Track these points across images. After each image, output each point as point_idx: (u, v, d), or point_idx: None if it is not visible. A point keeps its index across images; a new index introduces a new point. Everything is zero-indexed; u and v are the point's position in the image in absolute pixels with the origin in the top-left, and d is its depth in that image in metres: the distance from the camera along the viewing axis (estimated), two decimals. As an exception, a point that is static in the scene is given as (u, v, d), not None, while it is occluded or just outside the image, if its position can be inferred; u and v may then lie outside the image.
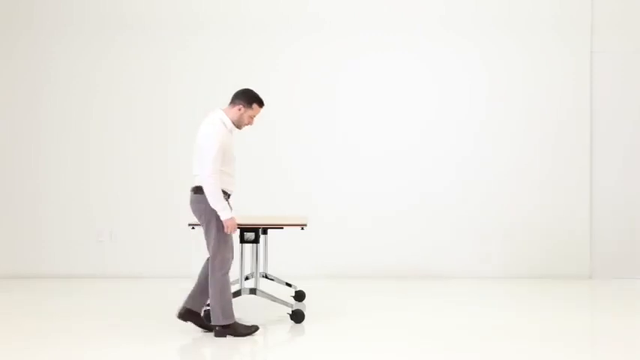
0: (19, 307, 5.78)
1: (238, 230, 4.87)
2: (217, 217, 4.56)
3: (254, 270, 5.20)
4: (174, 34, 7.28)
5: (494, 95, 7.30)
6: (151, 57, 7.29)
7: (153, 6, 7.30)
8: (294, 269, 6.90)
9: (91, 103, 7.29)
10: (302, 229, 5.24)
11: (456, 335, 4.76)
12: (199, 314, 4.81)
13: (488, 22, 7.29)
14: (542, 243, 7.23)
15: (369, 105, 7.31)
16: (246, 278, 5.32)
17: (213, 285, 4.61)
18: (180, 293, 6.24)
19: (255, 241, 5.07)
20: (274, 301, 5.13)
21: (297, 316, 5.09)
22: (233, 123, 4.69)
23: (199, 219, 4.67)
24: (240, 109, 4.70)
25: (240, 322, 4.76)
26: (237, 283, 5.20)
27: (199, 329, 4.83)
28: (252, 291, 5.08)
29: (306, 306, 5.34)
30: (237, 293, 5.00)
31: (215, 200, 4.50)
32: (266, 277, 5.92)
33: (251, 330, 4.72)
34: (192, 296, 4.80)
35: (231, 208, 4.60)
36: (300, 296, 5.84)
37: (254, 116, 4.77)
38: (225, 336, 4.63)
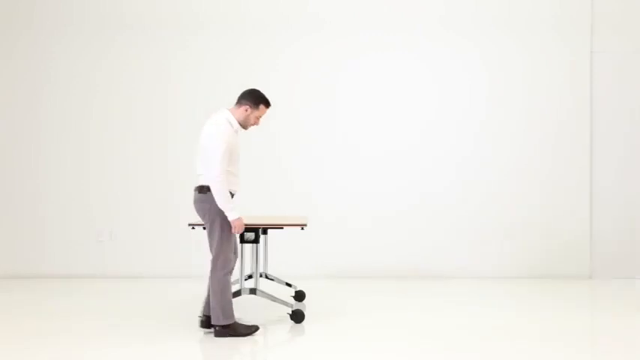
0: (19, 307, 5.78)
1: (239, 230, 4.88)
2: (222, 217, 4.57)
3: (254, 270, 5.20)
4: (174, 34, 7.28)
5: (494, 95, 7.30)
6: (151, 57, 7.30)
7: (153, 6, 7.30)
8: (294, 269, 6.90)
9: (91, 103, 7.30)
10: (302, 229, 5.24)
11: (456, 335, 4.76)
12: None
13: (488, 22, 7.29)
14: (542, 243, 7.23)
15: (369, 105, 7.31)
16: (247, 278, 5.32)
17: (214, 284, 4.61)
18: (180, 293, 6.26)
19: (255, 241, 5.07)
20: (274, 301, 5.13)
21: (297, 316, 5.09)
22: (239, 123, 4.70)
23: (203, 218, 4.67)
24: (246, 110, 4.70)
25: (240, 321, 4.76)
26: (237, 283, 5.20)
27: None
28: (252, 291, 5.08)
29: (306, 306, 5.34)
30: (237, 293, 5.00)
31: (223, 200, 4.51)
32: (266, 277, 5.92)
33: (251, 330, 4.72)
34: (209, 302, 4.80)
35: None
36: (300, 296, 5.84)
37: (260, 117, 4.78)
38: (226, 336, 4.64)
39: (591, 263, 7.24)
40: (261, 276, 5.64)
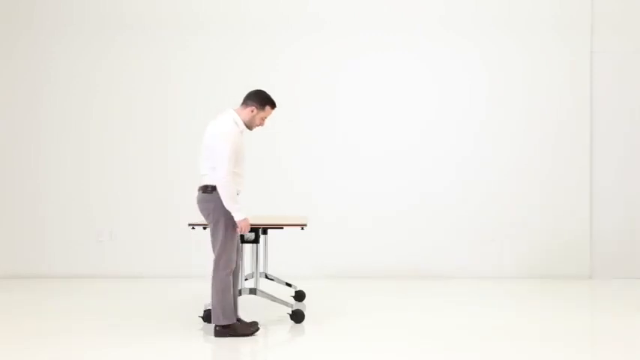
0: (19, 307, 5.78)
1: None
2: (226, 217, 4.58)
3: (254, 270, 5.20)
4: (174, 34, 7.28)
5: (494, 95, 7.30)
6: (151, 57, 7.30)
7: (153, 6, 7.30)
8: (294, 269, 6.90)
9: (91, 103, 7.30)
10: (302, 229, 5.24)
11: (456, 335, 4.76)
12: (240, 319, 4.82)
13: (488, 22, 7.29)
14: (542, 243, 7.23)
15: (369, 105, 7.31)
16: (247, 278, 5.32)
17: (216, 284, 4.62)
18: (180, 293, 6.26)
19: (255, 241, 5.08)
20: (274, 301, 5.13)
21: (297, 316, 5.09)
22: (244, 124, 4.70)
23: (206, 218, 4.68)
24: (252, 111, 4.71)
25: (241, 320, 4.77)
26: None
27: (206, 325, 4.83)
28: (252, 291, 5.09)
29: (306, 306, 5.34)
30: (238, 293, 5.00)
31: (230, 201, 4.52)
32: (266, 277, 5.92)
33: (251, 330, 4.72)
34: None
35: None
36: (300, 296, 5.84)
37: (266, 118, 4.79)
38: (225, 336, 4.64)
39: (591, 263, 7.24)
40: (261, 276, 5.64)
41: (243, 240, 5.01)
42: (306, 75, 7.29)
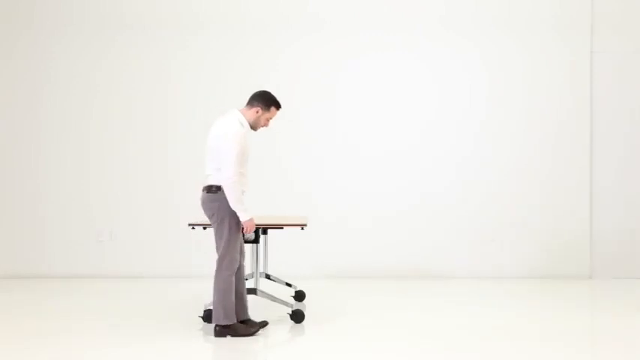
0: (19, 307, 5.78)
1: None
2: (230, 217, 4.58)
3: (254, 270, 5.20)
4: (174, 34, 7.28)
5: (494, 95, 7.30)
6: (151, 57, 7.30)
7: (153, 6, 7.30)
8: (294, 269, 6.90)
9: (91, 103, 7.30)
10: (302, 229, 5.23)
11: (456, 335, 4.76)
12: (249, 320, 4.83)
13: (488, 22, 7.29)
14: (542, 243, 7.23)
15: (369, 105, 7.31)
16: (247, 278, 5.32)
17: (218, 284, 4.62)
18: (180, 293, 6.26)
19: (256, 241, 5.08)
20: (274, 301, 5.13)
21: (297, 316, 5.09)
22: (249, 124, 4.71)
23: (211, 218, 4.67)
24: (257, 112, 4.72)
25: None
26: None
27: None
28: (253, 291, 5.08)
29: (306, 306, 5.35)
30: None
31: (236, 201, 4.52)
32: (266, 277, 5.92)
33: (251, 331, 4.72)
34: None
35: None
36: (300, 296, 5.84)
37: (270, 119, 4.79)
38: (226, 336, 4.64)
39: (591, 263, 7.24)
40: (261, 276, 5.64)
41: (243, 240, 5.00)
42: (306, 75, 7.29)
